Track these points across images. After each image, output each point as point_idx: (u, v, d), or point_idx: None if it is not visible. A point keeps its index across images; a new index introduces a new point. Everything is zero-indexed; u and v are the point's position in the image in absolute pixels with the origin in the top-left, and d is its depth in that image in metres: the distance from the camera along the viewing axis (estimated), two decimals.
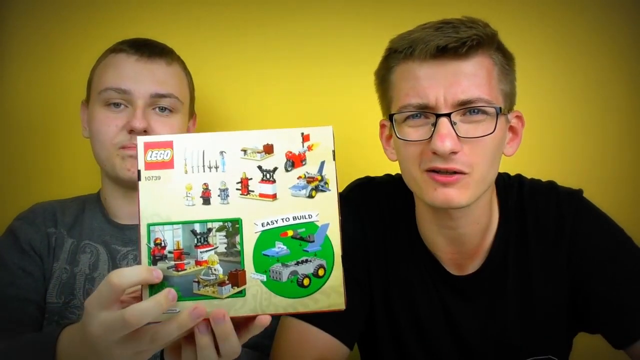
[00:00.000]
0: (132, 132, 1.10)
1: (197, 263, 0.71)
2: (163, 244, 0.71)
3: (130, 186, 1.14)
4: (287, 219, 0.72)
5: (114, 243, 1.16)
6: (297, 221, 0.72)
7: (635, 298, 0.97)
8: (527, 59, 1.36)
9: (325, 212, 0.73)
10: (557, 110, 1.39)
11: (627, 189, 1.39)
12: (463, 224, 1.01)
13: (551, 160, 1.39)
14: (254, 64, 1.45)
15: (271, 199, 0.73)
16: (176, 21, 1.45)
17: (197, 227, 0.72)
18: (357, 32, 1.43)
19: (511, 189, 1.07)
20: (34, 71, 1.45)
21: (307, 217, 0.73)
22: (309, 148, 0.73)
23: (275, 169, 0.73)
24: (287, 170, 0.73)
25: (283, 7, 1.45)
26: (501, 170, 1.09)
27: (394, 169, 1.09)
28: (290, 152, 0.73)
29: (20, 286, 1.08)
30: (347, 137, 1.41)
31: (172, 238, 0.71)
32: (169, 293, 0.68)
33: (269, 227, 0.72)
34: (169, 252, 0.71)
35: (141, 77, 1.13)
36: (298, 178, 0.73)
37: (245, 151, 0.73)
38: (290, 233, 0.72)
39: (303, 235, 0.72)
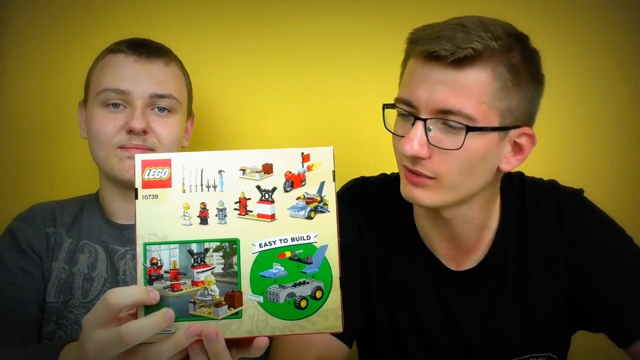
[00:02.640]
0: (131, 132, 1.10)
1: (194, 283, 0.71)
2: (159, 264, 0.70)
3: (128, 187, 1.13)
4: (286, 240, 0.72)
5: (112, 243, 1.16)
6: (296, 242, 0.72)
7: (635, 298, 0.97)
8: None
9: (324, 233, 0.72)
10: (557, 109, 1.38)
11: (627, 189, 1.39)
12: (456, 224, 1.01)
13: (551, 160, 1.38)
14: (253, 65, 1.44)
15: (269, 220, 0.72)
16: (176, 21, 1.43)
17: (194, 247, 0.71)
18: (357, 32, 1.41)
19: (512, 186, 1.07)
20: (33, 71, 1.45)
21: (305, 238, 0.72)
22: (309, 168, 0.72)
23: (274, 189, 0.72)
24: (286, 191, 0.72)
25: (283, 7, 1.43)
26: None
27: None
28: (290, 172, 0.72)
29: (20, 286, 1.09)
30: (346, 137, 1.41)
31: (169, 258, 0.71)
32: (166, 313, 0.67)
33: (266, 248, 0.71)
34: (165, 271, 0.70)
35: (140, 78, 1.12)
36: (297, 199, 0.72)
37: (244, 170, 0.72)
38: (288, 254, 0.72)
39: (301, 257, 0.72)
